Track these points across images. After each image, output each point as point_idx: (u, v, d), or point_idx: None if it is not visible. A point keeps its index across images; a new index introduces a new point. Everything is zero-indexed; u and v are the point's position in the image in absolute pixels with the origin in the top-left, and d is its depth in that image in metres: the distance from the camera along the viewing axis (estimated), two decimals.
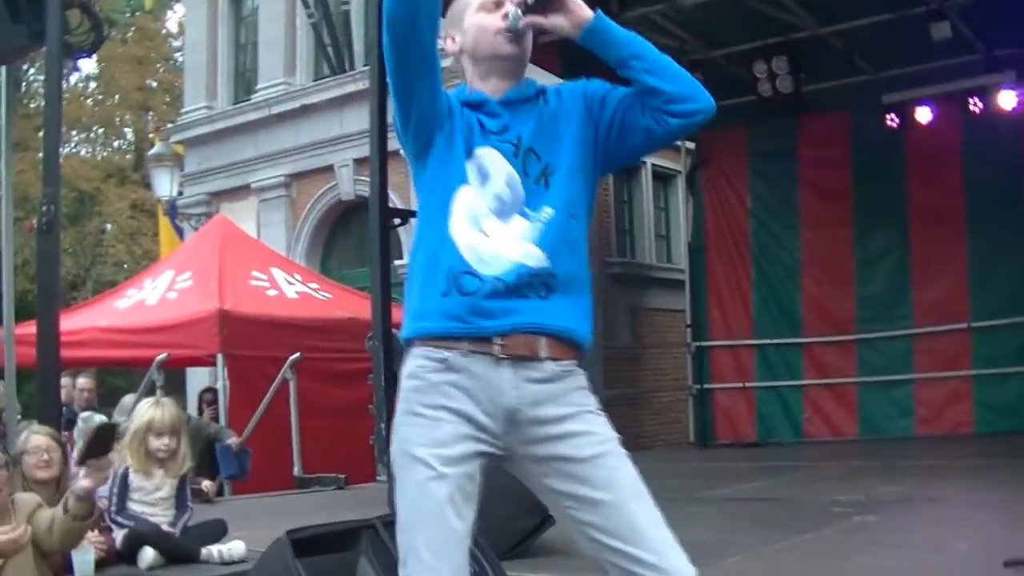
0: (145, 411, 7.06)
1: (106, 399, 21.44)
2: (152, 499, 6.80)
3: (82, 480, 5.47)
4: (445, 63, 3.27)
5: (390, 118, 10.47)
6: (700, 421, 16.40)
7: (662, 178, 19.69)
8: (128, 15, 37.83)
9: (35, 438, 6.54)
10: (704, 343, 16.53)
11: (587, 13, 3.29)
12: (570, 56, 14.69)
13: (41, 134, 11.06)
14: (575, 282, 3.29)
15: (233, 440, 11.59)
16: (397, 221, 12.93)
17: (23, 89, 31.33)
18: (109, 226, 34.62)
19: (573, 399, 3.29)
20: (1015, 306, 14.22)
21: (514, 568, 5.52)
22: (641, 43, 3.32)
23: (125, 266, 33.21)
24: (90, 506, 5.52)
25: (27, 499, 5.71)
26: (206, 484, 10.40)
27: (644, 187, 19.37)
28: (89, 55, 10.06)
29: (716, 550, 6.32)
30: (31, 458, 6.39)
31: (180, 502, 6.98)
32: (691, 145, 16.98)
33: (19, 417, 10.22)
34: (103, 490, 6.82)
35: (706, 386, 16.41)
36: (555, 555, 6.24)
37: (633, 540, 3.16)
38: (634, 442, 16.78)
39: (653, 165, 19.27)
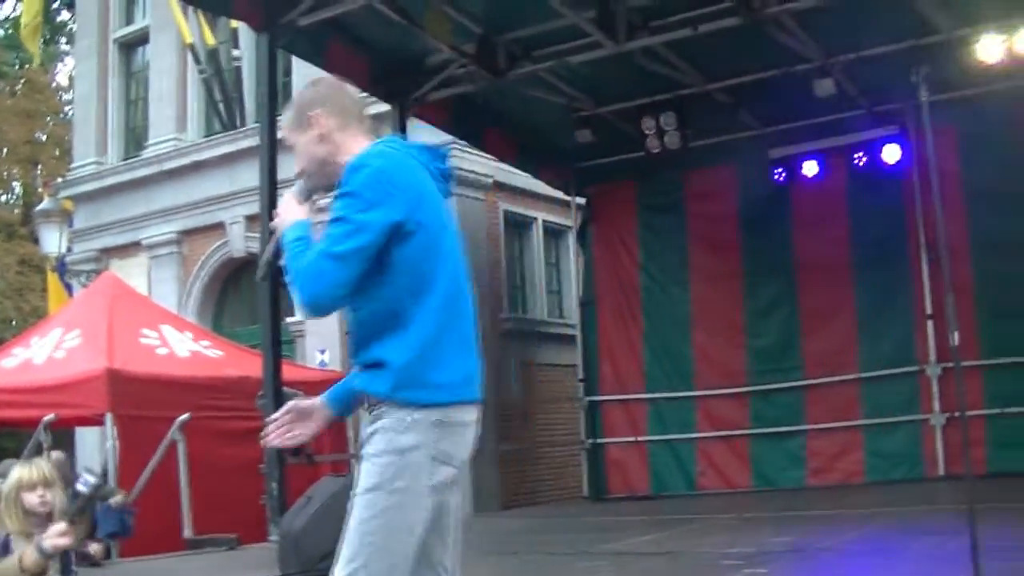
0: (15, 471, 6.95)
1: None
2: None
3: (57, 538, 5.23)
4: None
5: (280, 175, 10.43)
6: (593, 475, 16.42)
7: (553, 233, 19.77)
8: (16, 68, 37.43)
9: None
10: (596, 397, 16.60)
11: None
12: (461, 114, 14.91)
13: None
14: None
15: (115, 499, 11.40)
16: (288, 279, 12.92)
17: None
18: None
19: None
20: (902, 355, 14.46)
21: None
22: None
23: (13, 323, 32.67)
24: (47, 564, 5.32)
25: None
26: (93, 547, 10.22)
27: (535, 242, 19.44)
28: None
29: None
30: None
31: (65, 567, 6.84)
32: (581, 200, 17.12)
33: None
34: None
35: (599, 440, 16.45)
36: None
37: None
38: (528, 497, 16.83)
39: (544, 221, 19.37)
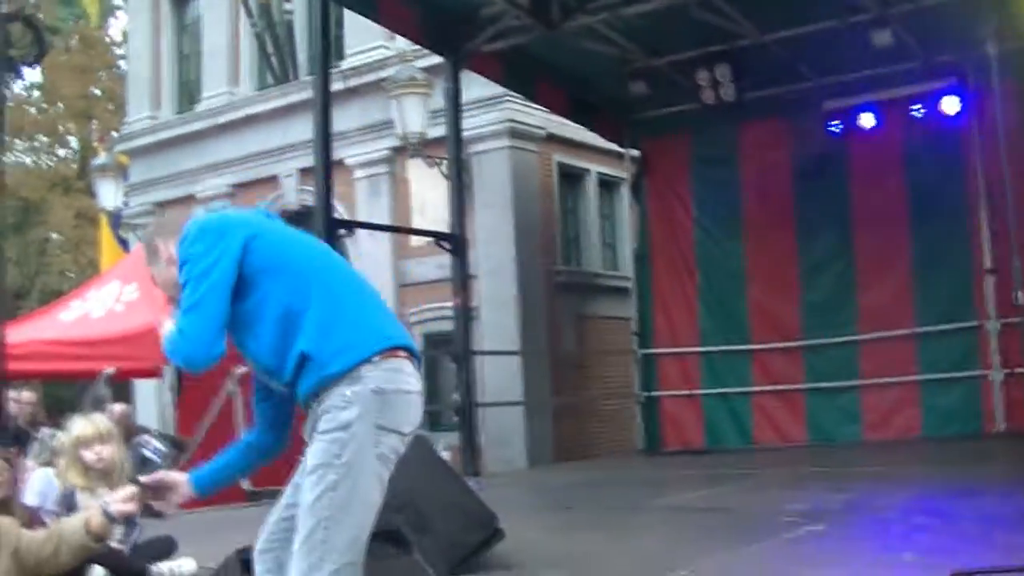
0: (73, 427, 7.03)
1: (52, 411, 21.22)
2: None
3: (124, 504, 5.22)
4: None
5: (335, 127, 10.49)
6: (647, 429, 16.39)
7: (607, 185, 19.67)
8: (70, 23, 37.56)
9: None
10: (650, 350, 16.53)
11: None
12: (514, 67, 14.83)
13: None
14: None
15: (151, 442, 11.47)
16: (343, 231, 12.96)
17: None
18: (54, 235, 34.36)
19: None
20: (959, 310, 14.33)
21: None
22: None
23: (71, 275, 32.98)
24: (112, 527, 5.30)
25: (5, 524, 5.53)
26: None
27: (589, 195, 19.36)
28: (31, 67, 10.01)
29: (661, 561, 6.33)
30: None
31: (128, 519, 6.91)
32: (635, 153, 17.02)
33: None
34: (50, 505, 6.81)
35: (653, 394, 16.41)
36: (503, 569, 6.24)
37: None
38: (581, 450, 16.80)
39: (598, 173, 19.28)
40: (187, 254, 4.02)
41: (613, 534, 7.87)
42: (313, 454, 3.97)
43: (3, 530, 5.36)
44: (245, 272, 4.01)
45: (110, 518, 5.07)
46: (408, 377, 4.06)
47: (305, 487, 3.97)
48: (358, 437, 3.89)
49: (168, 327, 4.02)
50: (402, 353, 4.10)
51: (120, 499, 4.97)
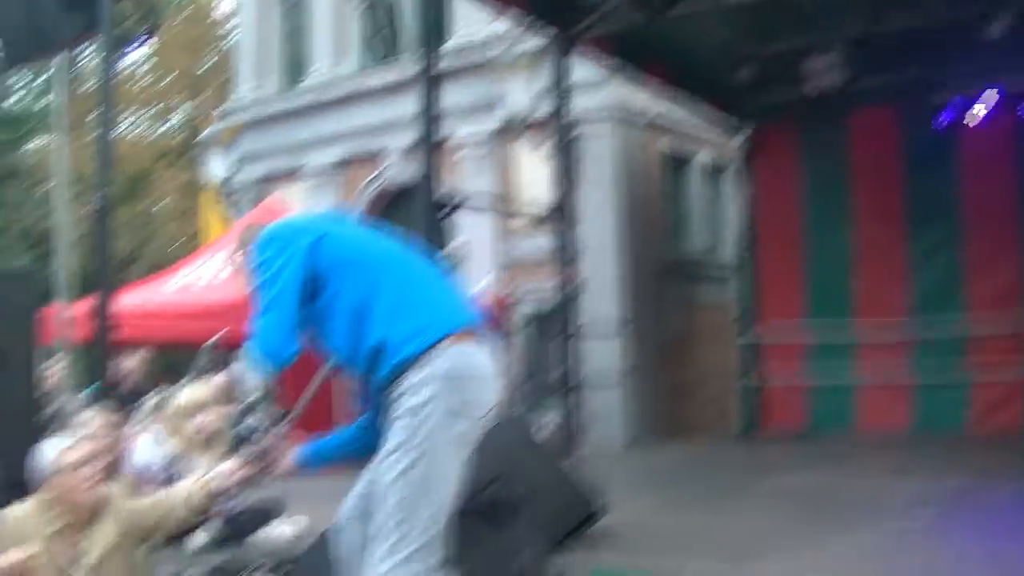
0: (178, 395, 7.15)
1: (162, 373, 21.55)
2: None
3: (225, 479, 5.28)
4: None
5: (441, 104, 10.53)
6: (749, 412, 16.32)
7: (712, 170, 19.58)
8: None
9: (89, 423, 6.58)
10: (752, 336, 16.44)
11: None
12: (622, 49, 14.76)
13: (93, 116, 11.19)
14: None
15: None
16: (445, 210, 12.99)
17: (79, 70, 31.48)
18: (162, 204, 34.83)
19: None
20: None
21: (563, 560, 5.53)
22: None
23: (177, 245, 33.41)
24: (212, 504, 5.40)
25: (115, 492, 5.52)
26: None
27: (695, 179, 19.28)
28: (141, 43, 10.14)
29: (762, 545, 6.31)
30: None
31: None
32: (742, 138, 16.90)
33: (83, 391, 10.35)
34: (155, 467, 6.94)
35: (756, 377, 16.32)
36: (606, 546, 6.25)
37: None
38: (683, 431, 16.81)
39: (704, 157, 19.19)
40: (258, 261, 4.27)
41: (714, 515, 7.86)
42: (391, 435, 4.13)
43: (111, 497, 5.43)
44: (315, 273, 4.20)
45: (212, 493, 5.15)
46: (479, 359, 4.20)
47: (383, 469, 4.13)
48: (431, 420, 4.05)
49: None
50: (473, 334, 4.23)
51: (222, 473, 5.06)
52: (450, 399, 4.06)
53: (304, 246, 4.21)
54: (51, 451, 5.36)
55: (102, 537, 5.26)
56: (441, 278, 4.43)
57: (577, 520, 6.24)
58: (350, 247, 4.32)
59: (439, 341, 4.09)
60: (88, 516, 5.29)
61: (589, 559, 5.81)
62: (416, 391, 4.06)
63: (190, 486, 5.30)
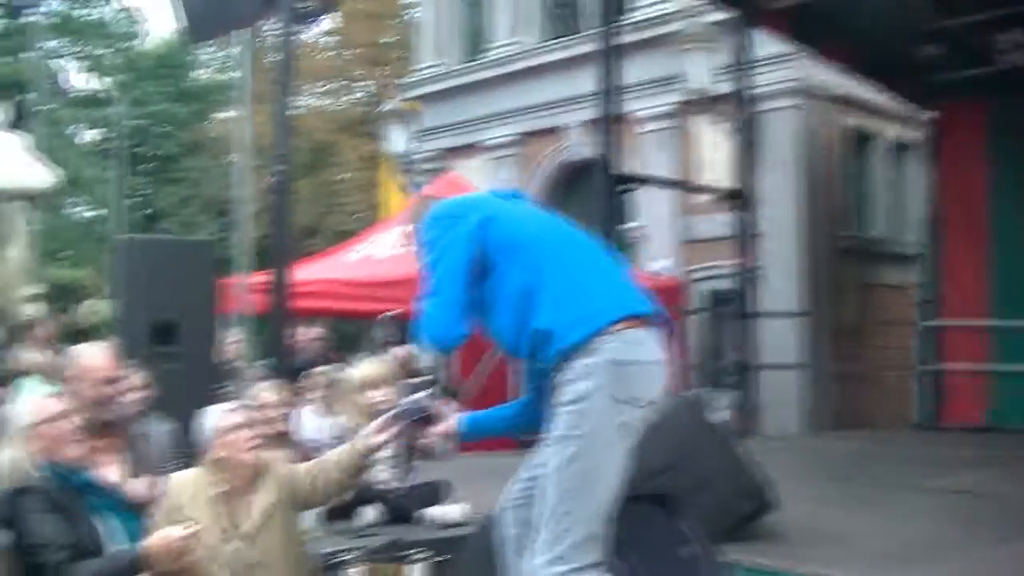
0: (355, 370, 7.21)
1: (339, 344, 21.89)
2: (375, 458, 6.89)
3: (377, 435, 5.30)
4: None
5: (620, 80, 10.47)
6: (927, 402, 15.87)
7: (897, 149, 19.12)
8: None
9: (264, 395, 6.68)
10: (935, 322, 15.98)
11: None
12: (805, 24, 14.47)
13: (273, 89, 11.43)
14: None
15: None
16: (625, 186, 12.89)
17: (263, 44, 32.06)
18: (344, 176, 35.34)
19: None
20: None
21: (730, 551, 5.43)
22: None
23: (359, 215, 33.87)
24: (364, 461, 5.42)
25: (277, 461, 5.63)
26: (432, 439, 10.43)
27: (878, 159, 18.87)
28: (320, 20, 10.26)
29: (931, 548, 6.11)
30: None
31: (403, 461, 7.08)
32: (928, 116, 16.45)
33: (258, 362, 10.54)
34: (324, 441, 7.01)
35: (935, 366, 15.85)
36: (772, 542, 6.13)
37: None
38: (857, 419, 16.44)
39: (888, 136, 18.76)
40: (426, 239, 4.26)
41: (884, 513, 7.62)
42: (555, 426, 4.05)
43: (271, 463, 5.52)
44: (483, 254, 4.14)
45: (361, 452, 5.18)
46: (647, 347, 4.08)
47: (546, 457, 4.07)
48: (596, 408, 3.96)
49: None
50: (641, 322, 4.10)
51: (370, 431, 5.10)
52: (616, 387, 3.96)
53: (473, 225, 4.16)
54: (215, 415, 5.50)
55: (262, 501, 5.34)
56: (612, 262, 4.34)
57: (746, 511, 6.13)
58: (519, 228, 4.25)
59: (607, 328, 4.00)
60: (249, 479, 5.38)
61: (743, 556, 5.66)
62: (581, 378, 3.97)
63: (340, 448, 5.37)
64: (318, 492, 5.43)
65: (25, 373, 10.74)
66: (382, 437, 5.18)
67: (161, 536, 4.69)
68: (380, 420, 5.24)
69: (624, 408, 3.99)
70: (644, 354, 4.05)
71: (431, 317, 4.13)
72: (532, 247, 4.18)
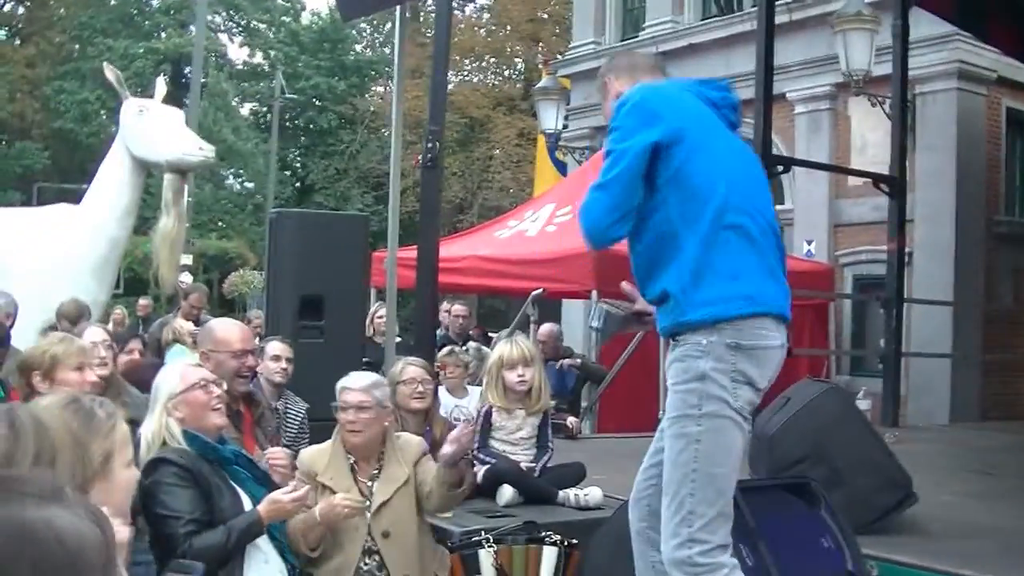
0: (498, 348, 7.27)
1: (485, 319, 22.12)
2: (513, 438, 6.98)
3: (445, 446, 5.47)
4: None
5: (777, 60, 10.39)
6: None
7: None
8: None
9: (410, 369, 6.78)
10: None
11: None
12: (966, 5, 14.17)
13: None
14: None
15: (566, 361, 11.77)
16: (780, 168, 12.78)
17: (420, 19, 32.35)
18: (496, 152, 35.52)
19: None
20: None
21: (869, 544, 5.36)
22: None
23: (510, 192, 34.04)
24: (460, 473, 5.45)
25: (413, 442, 5.79)
26: (571, 420, 10.51)
27: None
28: None
29: None
30: (406, 388, 6.63)
31: (541, 442, 7.13)
32: None
33: (398, 338, 10.66)
34: (470, 417, 7.10)
35: None
36: (911, 536, 6.03)
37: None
38: (1007, 409, 16.08)
39: None
40: (616, 123, 4.08)
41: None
42: (672, 405, 4.03)
43: (409, 445, 5.73)
44: (655, 169, 3.99)
45: (445, 463, 5.32)
46: (768, 332, 4.00)
47: (667, 438, 4.04)
48: (715, 387, 3.90)
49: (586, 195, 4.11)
50: (777, 319, 4.05)
51: (448, 442, 5.35)
52: (734, 367, 3.90)
53: (661, 133, 3.97)
54: (341, 385, 5.63)
55: (395, 475, 5.50)
56: (768, 243, 4.11)
57: (887, 505, 6.05)
58: (703, 170, 4.00)
59: (733, 319, 3.92)
60: (374, 451, 5.56)
61: (881, 550, 5.56)
62: (699, 357, 3.91)
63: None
64: (431, 501, 5.51)
65: (176, 341, 11.08)
66: (453, 448, 5.31)
67: (272, 499, 4.80)
68: (456, 431, 5.36)
69: (741, 389, 3.94)
70: (765, 338, 3.98)
71: (591, 211, 4.03)
72: (703, 196, 3.96)
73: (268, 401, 6.59)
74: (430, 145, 8.66)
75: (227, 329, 6.28)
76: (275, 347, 7.03)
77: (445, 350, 8.90)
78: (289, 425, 6.92)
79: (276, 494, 4.84)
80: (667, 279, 3.99)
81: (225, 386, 5.34)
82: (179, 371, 5.25)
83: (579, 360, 12.09)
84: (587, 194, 4.05)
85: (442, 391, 8.38)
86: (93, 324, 7.56)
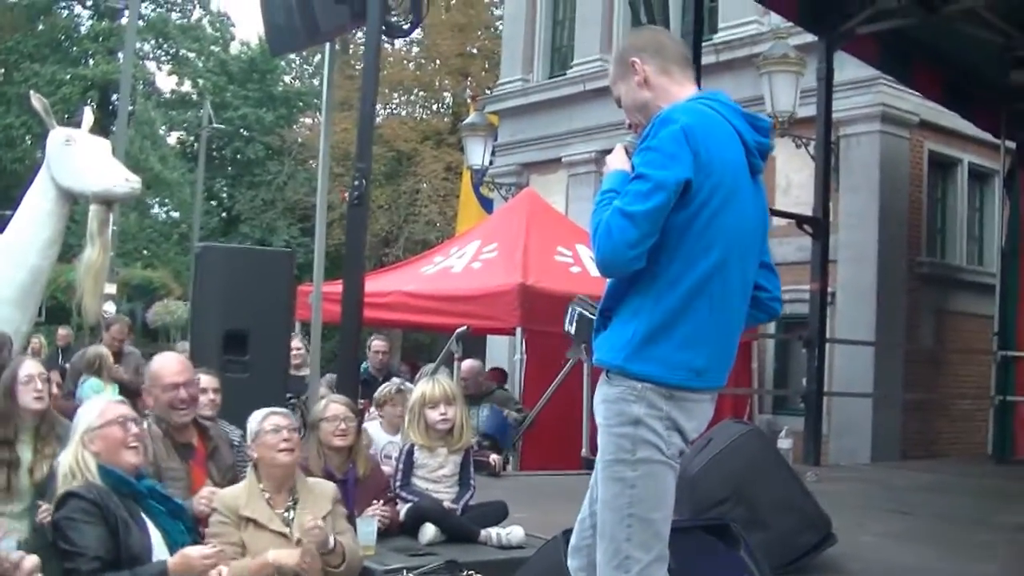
0: (420, 386, 7.28)
1: (409, 353, 22.08)
2: (436, 476, 6.99)
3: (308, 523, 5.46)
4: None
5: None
6: (1001, 434, 15.65)
7: (978, 177, 18.91)
8: None
9: (334, 407, 6.74)
10: (1012, 352, 15.80)
11: None
12: (890, 49, 14.38)
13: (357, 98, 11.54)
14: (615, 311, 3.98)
15: (512, 415, 11.77)
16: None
17: (350, 51, 32.32)
18: (424, 186, 35.52)
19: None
20: None
21: None
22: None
23: (436, 225, 34.03)
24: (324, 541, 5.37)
25: (327, 486, 5.85)
26: (493, 457, 10.53)
27: (959, 185, 18.68)
28: (407, 35, 10.32)
29: None
30: (329, 425, 6.59)
31: (463, 480, 7.14)
32: (1011, 144, 16.28)
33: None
34: (390, 455, 7.11)
35: (1010, 397, 15.64)
36: (831, 575, 6.10)
37: None
38: (928, 448, 16.28)
39: (970, 163, 18.55)
40: (654, 143, 3.84)
41: (950, 550, 7.53)
42: (605, 448, 3.96)
43: (322, 486, 5.82)
44: (672, 212, 3.81)
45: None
46: (703, 392, 3.99)
47: (602, 481, 3.99)
48: (649, 433, 3.86)
49: (608, 211, 3.83)
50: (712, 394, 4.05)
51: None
52: (667, 413, 3.86)
53: (695, 176, 3.79)
54: (256, 418, 5.71)
55: (314, 511, 5.50)
56: (732, 315, 4.03)
57: (807, 545, 6.11)
58: (705, 224, 3.85)
59: (673, 386, 3.86)
60: (290, 481, 5.62)
61: None
62: (634, 400, 3.84)
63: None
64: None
65: (95, 373, 11.02)
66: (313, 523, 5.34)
67: (182, 554, 4.83)
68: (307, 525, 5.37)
69: (674, 436, 3.90)
70: (699, 396, 3.96)
71: (615, 238, 3.78)
72: (693, 259, 3.86)
73: (225, 434, 6.57)
74: (356, 183, 8.65)
75: (161, 363, 6.34)
76: (202, 380, 7.00)
77: (390, 386, 8.86)
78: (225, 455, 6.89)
79: (188, 550, 4.87)
80: (627, 313, 3.92)
81: (149, 423, 5.34)
82: (99, 406, 5.29)
83: (522, 414, 12.11)
84: (609, 215, 3.81)
85: (375, 426, 8.37)
86: (27, 357, 7.48)
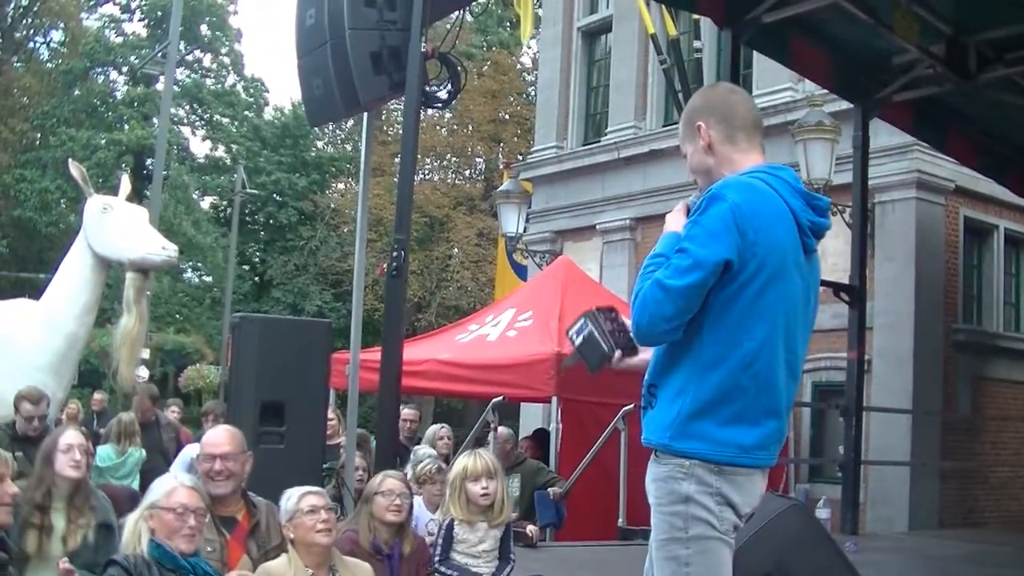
0: (461, 460, 7.22)
1: (441, 418, 22.06)
2: (475, 551, 6.92)
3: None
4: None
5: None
6: None
7: (1015, 243, 18.86)
8: (484, 50, 39.00)
9: (389, 481, 6.70)
10: None
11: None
12: (925, 117, 14.36)
13: (397, 162, 11.57)
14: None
15: (553, 490, 11.68)
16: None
17: (383, 117, 32.56)
18: (456, 251, 35.65)
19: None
20: None
21: None
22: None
23: (469, 291, 34.11)
24: None
25: (363, 566, 5.87)
26: (530, 528, 10.48)
27: (995, 252, 18.61)
28: (446, 104, 10.37)
29: None
30: (384, 499, 6.56)
31: (503, 554, 7.07)
32: None
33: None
34: (430, 529, 7.06)
35: None
36: None
37: None
38: (967, 517, 16.11)
39: (1006, 229, 18.50)
40: (701, 217, 3.85)
41: None
42: (658, 527, 3.91)
43: (360, 567, 5.88)
44: (715, 285, 3.79)
45: None
46: (753, 471, 3.94)
47: (656, 561, 3.92)
48: (700, 510, 3.81)
49: (648, 281, 3.83)
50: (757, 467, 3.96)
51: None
52: (717, 490, 3.81)
53: (739, 256, 3.77)
54: (292, 498, 5.73)
55: None
56: (788, 385, 3.97)
57: None
58: (748, 304, 3.82)
59: (725, 464, 3.82)
60: (324, 561, 5.60)
61: None
62: (683, 477, 3.81)
63: None
64: None
65: (121, 437, 11.13)
66: None
67: None
68: None
69: (726, 510, 3.84)
70: (750, 474, 3.90)
71: (651, 311, 3.78)
72: (736, 341, 3.81)
73: (277, 511, 6.55)
74: (395, 255, 8.65)
75: (209, 433, 6.46)
76: None
77: (430, 463, 8.80)
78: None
79: None
80: (672, 391, 3.87)
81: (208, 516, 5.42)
82: (169, 486, 5.39)
83: (564, 489, 12.04)
84: (649, 285, 3.81)
85: (418, 502, 8.32)
86: (71, 426, 7.54)
